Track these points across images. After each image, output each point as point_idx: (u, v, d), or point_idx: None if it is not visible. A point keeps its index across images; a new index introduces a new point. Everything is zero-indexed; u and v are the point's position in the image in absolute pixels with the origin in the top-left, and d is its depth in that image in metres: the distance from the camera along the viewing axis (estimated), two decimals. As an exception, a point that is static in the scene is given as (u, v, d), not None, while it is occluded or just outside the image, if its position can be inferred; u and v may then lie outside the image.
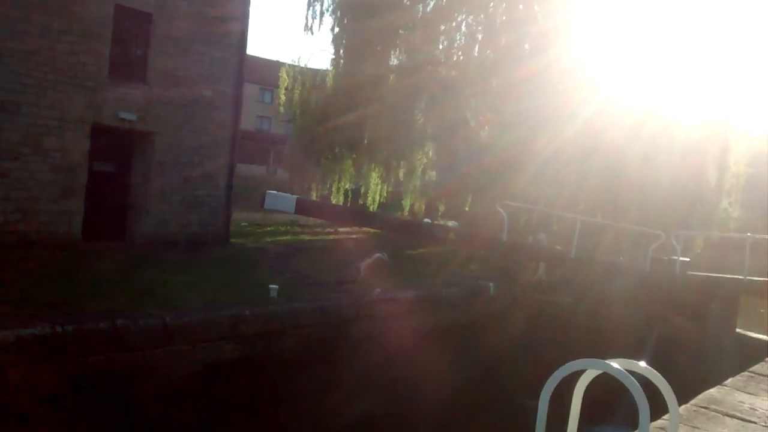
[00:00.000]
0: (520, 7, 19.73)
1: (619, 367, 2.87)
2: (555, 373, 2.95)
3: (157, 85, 16.16)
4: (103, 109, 15.12)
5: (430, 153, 23.71)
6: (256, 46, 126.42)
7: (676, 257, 14.22)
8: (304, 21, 21.96)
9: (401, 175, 23.90)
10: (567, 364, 2.95)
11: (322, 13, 21.78)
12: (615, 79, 18.73)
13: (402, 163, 23.22)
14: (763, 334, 13.46)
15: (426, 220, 22.68)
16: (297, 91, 23.29)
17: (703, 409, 5.13)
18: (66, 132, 14.50)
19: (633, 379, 2.81)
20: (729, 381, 6.24)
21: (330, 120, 21.14)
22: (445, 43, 21.18)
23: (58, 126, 14.36)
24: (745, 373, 6.68)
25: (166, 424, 7.97)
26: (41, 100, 14.08)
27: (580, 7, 19.25)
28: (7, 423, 6.67)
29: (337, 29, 21.30)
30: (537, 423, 3.01)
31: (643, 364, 3.12)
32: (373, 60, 20.26)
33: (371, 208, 24.02)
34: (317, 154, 22.52)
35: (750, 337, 12.90)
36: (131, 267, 12.36)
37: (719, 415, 5.04)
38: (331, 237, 25.04)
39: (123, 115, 15.43)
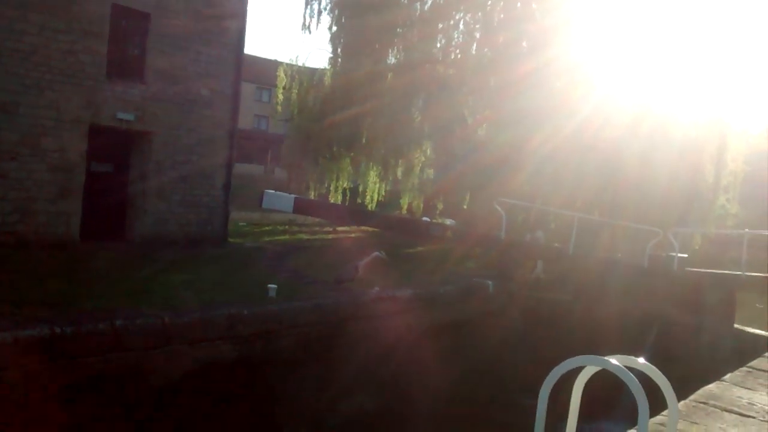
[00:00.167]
0: (518, 5, 19.73)
1: (617, 363, 2.88)
2: (554, 369, 2.96)
3: (154, 84, 16.15)
4: (100, 108, 15.11)
5: (428, 151, 23.72)
6: (254, 45, 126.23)
7: (674, 254, 14.25)
8: (302, 20, 21.94)
9: (399, 173, 23.91)
10: (566, 361, 2.96)
11: (319, 12, 21.77)
12: (612, 77, 18.74)
13: (400, 161, 23.23)
14: (761, 329, 13.50)
15: (424, 218, 22.70)
16: (295, 90, 23.28)
17: (701, 405, 5.15)
18: (63, 132, 14.49)
19: (632, 375, 2.82)
20: (727, 376, 6.26)
21: (328, 119, 21.13)
22: (443, 41, 21.17)
23: (55, 126, 14.35)
24: (744, 369, 6.70)
25: (164, 424, 7.97)
26: (39, 100, 14.06)
27: (578, 5, 19.25)
28: (7, 424, 6.67)
29: (335, 28, 21.28)
30: (536, 419, 3.02)
31: (641, 360, 3.13)
32: (371, 58, 20.25)
33: (369, 207, 24.01)
34: (315, 153, 22.52)
35: (748, 332, 12.94)
36: (129, 267, 12.35)
37: (718, 410, 5.05)
38: (330, 236, 25.05)
39: (121, 115, 15.42)
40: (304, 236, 23.71)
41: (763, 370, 6.71)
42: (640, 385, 2.79)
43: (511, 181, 18.09)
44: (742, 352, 9.65)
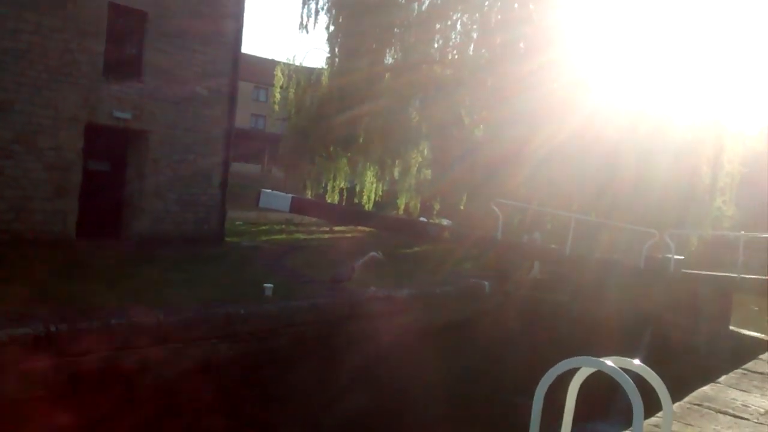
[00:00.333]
0: (516, 6, 19.76)
1: (613, 364, 2.89)
2: (550, 371, 2.96)
3: (151, 83, 16.12)
4: (97, 107, 15.08)
5: (425, 152, 23.74)
6: (251, 45, 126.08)
7: (670, 255, 14.26)
8: (300, 19, 21.96)
9: (396, 173, 23.93)
10: (562, 362, 2.96)
11: (317, 12, 21.77)
12: (610, 79, 18.77)
13: (397, 161, 23.24)
14: (757, 331, 13.53)
15: (422, 218, 22.72)
16: (292, 90, 23.30)
17: (696, 407, 5.16)
18: (60, 131, 14.46)
19: (627, 376, 2.82)
20: (722, 378, 6.27)
21: (325, 118, 21.13)
22: (441, 42, 21.19)
23: (52, 125, 14.32)
24: (739, 371, 6.72)
25: (160, 422, 7.96)
26: (35, 98, 14.03)
27: (576, 7, 19.28)
28: (3, 422, 6.66)
29: (332, 28, 21.29)
30: (532, 420, 3.02)
31: (637, 361, 3.14)
32: (368, 58, 20.25)
33: (366, 207, 24.03)
34: (312, 153, 22.52)
35: (743, 334, 12.97)
36: (125, 265, 12.34)
37: (712, 412, 5.07)
38: (326, 236, 25.05)
39: (117, 113, 15.39)
40: (301, 236, 23.70)
41: (758, 373, 6.73)
42: (635, 387, 2.79)
43: (508, 181, 18.11)
44: (738, 354, 9.67)
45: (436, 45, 21.21)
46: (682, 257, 14.83)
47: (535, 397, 3.00)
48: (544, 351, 10.90)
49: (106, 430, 7.45)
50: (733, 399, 5.51)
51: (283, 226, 25.75)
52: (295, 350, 9.63)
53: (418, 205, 24.62)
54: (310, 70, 24.05)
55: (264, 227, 24.63)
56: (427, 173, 24.78)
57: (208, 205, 17.65)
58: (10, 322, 6.92)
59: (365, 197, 24.52)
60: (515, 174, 17.91)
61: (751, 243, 15.14)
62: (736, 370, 6.70)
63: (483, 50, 20.38)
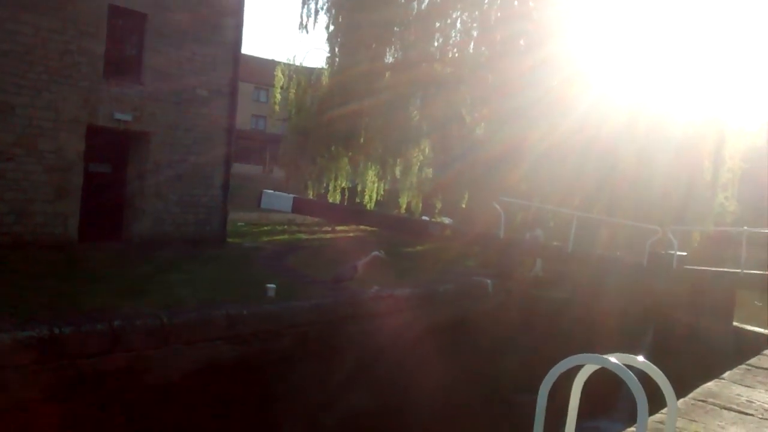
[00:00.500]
0: (515, 3, 19.76)
1: (617, 361, 2.87)
2: (553, 368, 2.95)
3: (152, 84, 16.12)
4: (97, 109, 15.09)
5: (427, 150, 23.72)
6: (251, 45, 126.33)
7: (673, 251, 14.23)
8: (299, 19, 21.97)
9: (398, 172, 23.91)
10: (565, 360, 2.95)
11: (317, 11, 21.78)
12: (610, 75, 18.75)
13: (398, 160, 23.22)
14: (760, 327, 13.49)
15: (423, 217, 22.70)
16: (292, 90, 23.28)
17: (700, 403, 5.14)
18: (61, 133, 14.47)
19: (631, 373, 2.81)
20: (726, 374, 6.26)
21: (325, 118, 21.12)
22: (441, 40, 21.18)
23: (52, 127, 14.32)
24: (743, 366, 6.70)
25: (163, 424, 7.96)
26: (35, 100, 14.04)
27: (576, 3, 19.26)
28: (7, 424, 6.66)
29: (332, 27, 21.29)
30: (536, 418, 3.01)
31: (641, 358, 3.12)
32: (368, 57, 20.25)
33: (368, 206, 24.02)
34: (313, 153, 22.49)
35: (747, 330, 12.93)
36: (127, 267, 12.34)
37: (717, 408, 5.05)
38: (328, 235, 25.05)
39: (118, 115, 15.40)
40: (303, 236, 23.70)
41: (763, 368, 6.71)
42: (639, 384, 2.78)
43: (509, 179, 18.10)
44: (741, 350, 9.65)
45: (436, 43, 21.21)
46: (685, 253, 14.80)
47: (539, 395, 2.99)
48: (546, 349, 10.89)
49: (107, 431, 7.45)
50: (738, 395, 5.50)
51: (285, 226, 25.76)
52: (298, 350, 9.62)
53: (420, 204, 24.60)
54: (311, 70, 24.04)
55: (266, 228, 24.63)
56: (429, 172, 24.75)
57: (210, 206, 17.65)
58: (13, 325, 6.92)
59: (367, 197, 24.50)
60: (516, 170, 17.91)
61: (754, 238, 15.08)
62: (740, 366, 6.68)
63: (483, 48, 20.37)
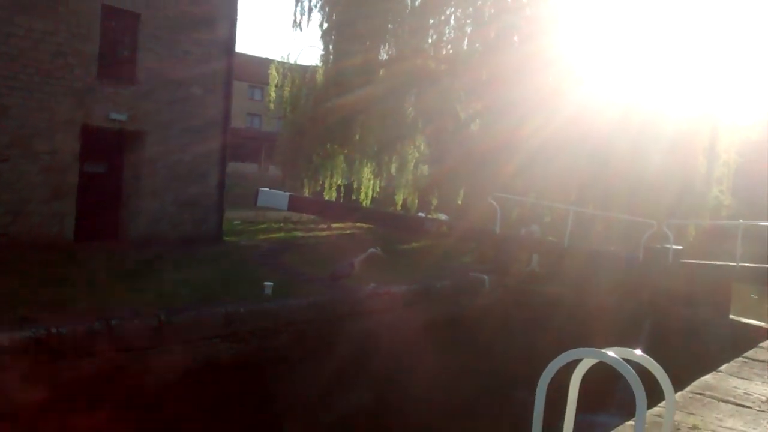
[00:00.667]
0: (509, -2, 19.78)
1: (615, 355, 2.89)
2: (552, 363, 2.97)
3: (146, 84, 16.09)
4: (92, 109, 15.05)
5: (422, 147, 23.74)
6: (245, 44, 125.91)
7: (668, 245, 14.27)
8: (293, 17, 21.92)
9: (393, 169, 23.91)
10: (564, 354, 2.96)
11: (310, 9, 21.74)
12: (603, 70, 18.79)
13: (394, 157, 23.23)
14: (756, 319, 13.55)
15: (419, 213, 22.73)
16: (287, 88, 23.26)
17: (698, 396, 5.17)
18: (56, 133, 14.43)
19: (629, 367, 2.83)
20: (723, 367, 6.29)
21: (320, 116, 21.11)
22: (434, 36, 21.17)
23: (47, 127, 14.28)
24: (739, 359, 6.74)
25: (161, 423, 7.96)
26: (29, 102, 14.00)
27: (569, -2, 19.32)
28: (5, 424, 6.66)
29: (325, 25, 21.26)
30: (534, 412, 3.02)
31: (638, 352, 3.14)
32: (362, 55, 20.23)
33: (364, 204, 24.02)
34: (309, 151, 22.47)
35: (743, 323, 12.98)
36: (124, 266, 12.33)
37: (714, 400, 5.08)
38: (325, 233, 25.03)
39: (113, 115, 15.35)
40: (300, 233, 23.68)
41: (759, 361, 6.75)
42: (637, 377, 2.80)
43: (504, 174, 18.12)
44: (738, 343, 9.69)
45: (430, 40, 21.20)
46: (681, 247, 14.85)
47: (537, 389, 3.00)
48: (544, 344, 10.92)
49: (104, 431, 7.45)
50: (735, 387, 5.53)
51: (282, 224, 25.72)
52: (296, 348, 9.64)
53: (416, 201, 24.61)
54: (305, 68, 24.02)
55: (262, 226, 24.60)
56: (424, 168, 24.78)
57: (206, 205, 17.63)
58: (10, 325, 6.91)
59: (363, 194, 24.51)
60: (511, 166, 17.93)
61: (749, 232, 15.13)
62: (737, 359, 6.73)
63: (477, 44, 20.39)
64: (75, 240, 14.70)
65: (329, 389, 10.03)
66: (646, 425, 3.06)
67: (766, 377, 6.02)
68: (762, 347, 7.74)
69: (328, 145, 22.55)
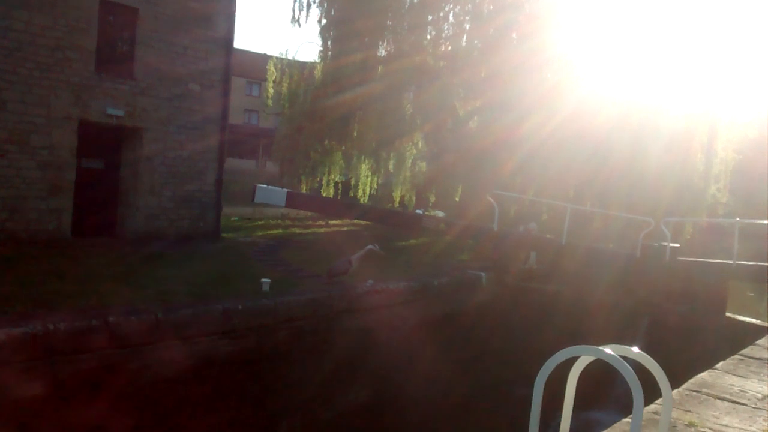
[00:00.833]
0: (508, -5, 19.77)
1: (612, 352, 2.89)
2: (549, 360, 2.97)
3: (144, 79, 16.07)
4: (90, 105, 15.03)
5: (420, 143, 23.75)
6: (243, 40, 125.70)
7: (666, 243, 14.30)
8: (291, 13, 21.98)
9: (391, 166, 23.94)
10: (561, 351, 2.97)
11: (309, 5, 21.75)
12: (602, 68, 18.81)
13: (392, 154, 23.25)
14: (752, 317, 13.59)
15: (417, 210, 22.74)
16: (285, 84, 23.26)
17: (695, 393, 5.19)
18: (53, 129, 14.42)
19: (626, 364, 2.83)
20: (720, 364, 6.31)
21: (319, 112, 21.12)
22: (433, 33, 21.19)
23: (45, 123, 14.27)
24: (736, 357, 6.76)
25: (160, 420, 7.97)
26: (27, 97, 13.98)
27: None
28: (5, 423, 6.66)
29: (324, 21, 21.27)
30: (532, 409, 3.03)
31: (636, 349, 3.15)
32: (361, 51, 20.23)
33: (362, 200, 24.05)
34: (306, 147, 22.49)
35: (740, 320, 13.02)
36: (121, 263, 12.31)
37: (710, 398, 5.10)
38: (322, 230, 25.04)
39: (110, 111, 15.33)
40: (297, 230, 23.68)
41: (755, 358, 6.77)
42: (635, 375, 2.81)
43: (503, 171, 18.15)
44: (734, 341, 9.73)
45: (428, 36, 21.22)
46: (678, 245, 14.87)
47: (535, 387, 3.01)
48: (541, 341, 10.95)
49: (106, 429, 7.45)
50: (731, 385, 5.55)
51: (279, 221, 25.73)
52: (294, 345, 9.64)
53: (414, 198, 24.64)
54: (303, 64, 24.02)
55: (260, 222, 24.61)
56: (422, 166, 24.80)
57: (204, 201, 17.63)
58: (7, 322, 6.90)
59: (360, 191, 24.53)
60: (509, 163, 17.97)
61: (746, 229, 15.16)
62: (733, 356, 6.75)
63: (476, 41, 20.40)
64: (72, 236, 14.69)
65: (327, 386, 10.05)
66: (643, 422, 3.07)
67: (762, 375, 6.04)
68: (758, 345, 7.77)
69: (326, 142, 22.56)
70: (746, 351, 7.18)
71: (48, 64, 14.25)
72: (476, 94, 20.84)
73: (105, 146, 16.24)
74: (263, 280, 10.37)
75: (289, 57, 24.09)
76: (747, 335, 10.23)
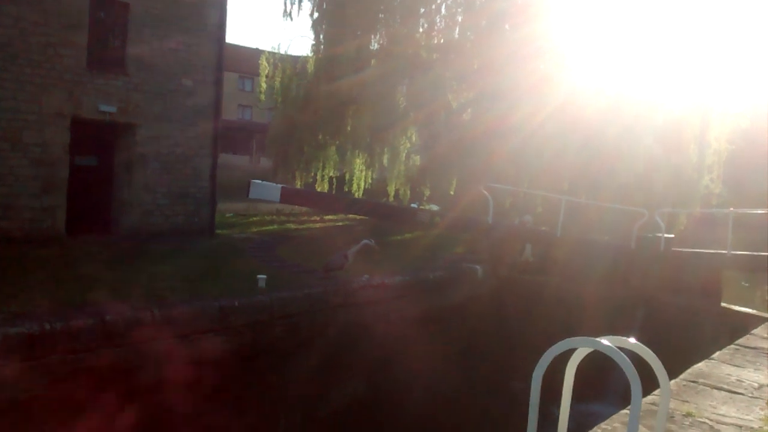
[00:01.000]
0: (500, -15, 19.73)
1: (609, 344, 2.90)
2: (547, 352, 2.97)
3: (136, 75, 15.99)
4: (82, 101, 14.95)
5: (414, 137, 23.73)
6: (235, 35, 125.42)
7: (660, 234, 14.34)
8: (283, 6, 21.91)
9: (385, 160, 23.91)
10: (558, 343, 2.97)
11: (300, -2, 21.65)
12: (594, 58, 18.80)
13: (386, 148, 23.22)
14: (747, 307, 13.64)
15: (412, 204, 22.73)
16: (278, 79, 23.16)
17: (692, 383, 5.21)
18: (45, 126, 14.33)
19: (624, 355, 2.83)
20: (716, 354, 6.34)
21: (312, 107, 21.07)
22: (426, 25, 21.14)
23: (37, 120, 14.18)
24: (732, 346, 6.79)
25: (157, 418, 7.96)
26: (18, 93, 13.89)
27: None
28: (4, 421, 6.64)
29: (316, 14, 21.20)
30: (531, 402, 3.03)
31: (632, 340, 3.15)
32: (353, 45, 20.17)
33: (356, 195, 24.01)
34: (300, 142, 22.42)
35: (735, 310, 13.06)
36: (117, 260, 12.28)
37: (707, 388, 5.11)
38: (317, 225, 25.02)
39: (103, 107, 15.26)
40: (292, 226, 23.65)
41: (751, 348, 6.80)
42: (632, 366, 2.81)
43: (496, 164, 18.15)
44: (730, 330, 9.78)
45: (421, 29, 21.18)
46: (672, 236, 14.91)
47: (533, 379, 3.01)
48: (537, 333, 10.98)
49: (105, 428, 7.44)
50: (728, 374, 5.57)
51: (274, 216, 25.67)
52: (291, 340, 9.64)
53: (408, 192, 24.62)
54: (296, 59, 23.92)
55: (254, 218, 24.55)
56: (416, 159, 24.77)
57: (198, 197, 17.57)
58: (2, 321, 6.87)
59: (355, 185, 24.49)
60: (503, 155, 17.98)
61: (740, 220, 15.20)
62: (729, 346, 6.78)
63: (468, 33, 20.37)
64: (67, 233, 14.63)
65: (325, 381, 10.06)
66: (641, 413, 3.07)
67: (758, 364, 6.07)
68: (753, 334, 7.81)
69: (320, 136, 22.50)
70: (742, 340, 7.21)
71: (39, 60, 14.16)
72: (469, 85, 20.82)
73: (98, 143, 16.16)
74: (259, 276, 10.36)
75: (282, 51, 23.98)
76: (742, 325, 10.27)
